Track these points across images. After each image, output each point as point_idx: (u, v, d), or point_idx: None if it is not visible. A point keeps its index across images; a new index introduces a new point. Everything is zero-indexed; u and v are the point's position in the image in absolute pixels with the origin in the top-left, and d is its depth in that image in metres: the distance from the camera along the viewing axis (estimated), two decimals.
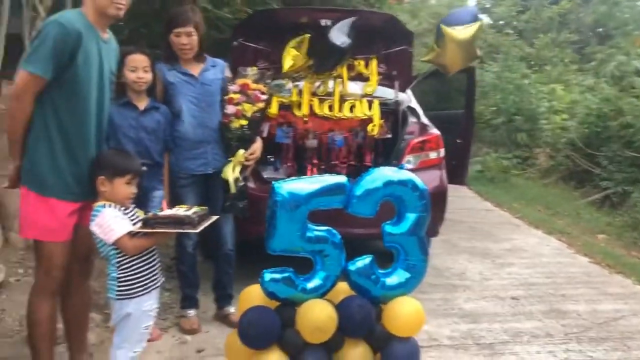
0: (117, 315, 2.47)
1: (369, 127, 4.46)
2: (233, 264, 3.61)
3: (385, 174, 2.55)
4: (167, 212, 2.47)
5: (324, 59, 4.18)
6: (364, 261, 2.56)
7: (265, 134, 4.31)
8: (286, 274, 2.48)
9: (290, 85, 4.37)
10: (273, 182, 2.47)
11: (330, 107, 4.42)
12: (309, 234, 2.45)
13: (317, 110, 4.40)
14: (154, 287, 2.52)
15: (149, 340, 2.84)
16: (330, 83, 4.46)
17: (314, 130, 4.74)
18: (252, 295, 2.56)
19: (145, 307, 2.48)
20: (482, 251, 5.66)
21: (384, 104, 4.58)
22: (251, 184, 3.91)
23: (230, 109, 3.31)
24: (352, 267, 2.55)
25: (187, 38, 3.28)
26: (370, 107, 4.44)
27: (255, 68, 3.54)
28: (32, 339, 2.60)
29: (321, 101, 4.43)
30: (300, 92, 4.36)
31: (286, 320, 2.48)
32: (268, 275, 2.46)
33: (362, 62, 4.46)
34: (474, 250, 5.70)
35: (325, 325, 2.44)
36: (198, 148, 3.37)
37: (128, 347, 2.49)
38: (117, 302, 2.45)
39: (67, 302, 2.74)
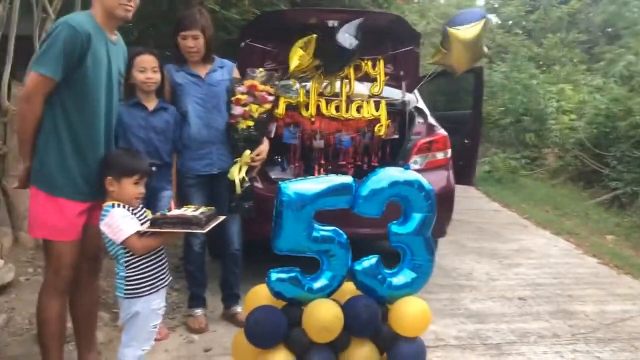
0: (126, 314, 2.49)
1: (376, 128, 4.46)
2: (240, 264, 3.63)
3: (391, 174, 2.56)
4: (175, 212, 2.48)
5: (332, 61, 4.19)
6: (370, 261, 2.58)
7: (272, 135, 4.33)
8: (292, 274, 2.49)
9: (297, 85, 4.39)
10: (279, 182, 2.48)
11: (337, 108, 4.43)
12: (315, 234, 2.46)
13: (324, 111, 4.41)
14: (162, 286, 2.53)
15: (156, 340, 2.87)
16: (337, 84, 4.47)
17: (321, 130, 4.74)
18: (259, 295, 2.58)
19: (154, 305, 2.50)
20: (489, 252, 5.66)
21: (391, 105, 4.58)
22: (258, 184, 3.93)
23: (237, 109, 3.33)
24: (358, 267, 2.56)
25: (193, 41, 3.30)
26: (377, 108, 4.44)
27: (262, 70, 3.55)
28: (42, 337, 2.63)
29: (328, 102, 4.44)
30: (307, 93, 4.37)
31: (292, 319, 2.49)
32: (274, 275, 2.48)
33: (369, 63, 4.47)
34: (482, 250, 5.69)
35: (331, 325, 2.45)
36: (203, 148, 3.39)
37: (136, 346, 2.51)
38: (126, 301, 2.47)
39: (76, 301, 2.76)
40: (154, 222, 2.40)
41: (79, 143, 2.51)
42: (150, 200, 3.11)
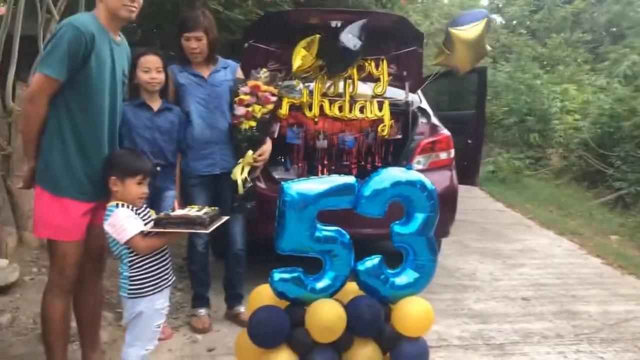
0: (129, 313, 2.50)
1: (380, 128, 4.47)
2: (243, 264, 3.64)
3: (393, 174, 2.57)
4: (179, 212, 2.50)
5: (336, 61, 4.20)
6: (373, 261, 2.58)
7: (275, 135, 4.34)
8: (295, 274, 2.50)
9: (300, 86, 4.39)
10: (282, 183, 2.49)
11: (341, 108, 4.44)
12: (317, 234, 2.47)
13: (327, 111, 4.42)
14: (165, 286, 2.54)
15: (160, 339, 2.88)
16: (341, 84, 4.47)
17: (325, 131, 4.76)
18: (262, 295, 2.59)
19: (157, 305, 2.51)
20: (493, 252, 5.66)
21: (394, 105, 4.59)
22: (262, 185, 3.95)
23: (240, 110, 3.34)
24: (361, 267, 2.57)
25: (196, 42, 3.32)
26: (380, 108, 4.45)
27: (266, 70, 3.56)
28: (46, 337, 2.64)
29: (331, 102, 4.44)
30: (310, 93, 4.37)
31: (295, 319, 2.50)
32: (277, 275, 2.49)
33: (373, 63, 4.47)
34: (485, 251, 5.69)
35: (334, 325, 2.46)
36: (206, 149, 3.40)
37: (140, 345, 2.52)
38: (129, 301, 2.48)
39: (80, 301, 2.77)
40: (157, 222, 2.41)
41: (83, 143, 2.52)
42: (154, 200, 3.14)
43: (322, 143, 4.75)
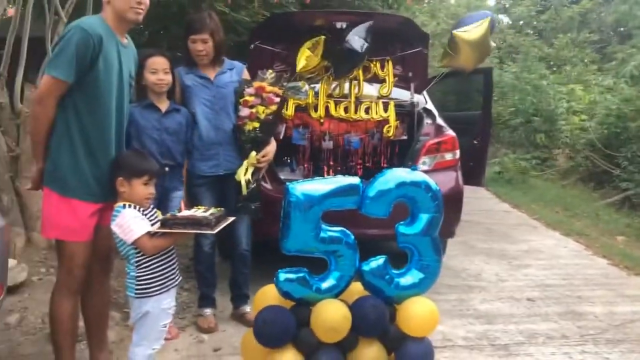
0: (136, 313, 2.52)
1: (385, 129, 4.49)
2: (249, 264, 3.65)
3: (398, 175, 2.58)
4: (185, 213, 2.51)
5: (342, 63, 4.22)
6: (377, 261, 2.59)
7: (281, 136, 4.36)
8: (301, 274, 2.51)
9: (306, 87, 4.42)
10: (287, 183, 2.51)
11: (346, 109, 4.46)
12: (322, 235, 2.48)
13: (333, 112, 4.44)
14: (172, 286, 2.56)
15: (167, 339, 2.90)
16: (346, 85, 4.49)
17: (330, 132, 4.78)
18: (268, 295, 2.60)
19: (164, 305, 2.53)
20: (498, 252, 5.65)
21: (399, 106, 4.60)
22: (268, 185, 3.97)
23: (245, 111, 3.35)
24: (366, 268, 2.58)
25: (202, 45, 3.34)
26: (386, 109, 4.47)
27: (272, 71, 3.57)
28: (54, 336, 2.66)
29: (337, 103, 4.47)
30: (316, 94, 4.40)
31: (301, 319, 2.51)
32: (283, 275, 2.50)
33: (378, 64, 4.49)
34: (491, 251, 5.69)
35: (339, 325, 2.47)
36: (211, 150, 3.42)
37: (146, 345, 2.54)
38: (136, 301, 2.50)
39: (87, 301, 2.79)
40: (164, 223, 2.43)
41: (91, 145, 2.54)
42: (162, 200, 3.17)
43: (327, 144, 4.77)
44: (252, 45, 4.35)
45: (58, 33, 4.51)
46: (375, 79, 4.59)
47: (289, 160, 4.83)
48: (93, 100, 2.52)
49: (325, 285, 2.54)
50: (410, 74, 4.76)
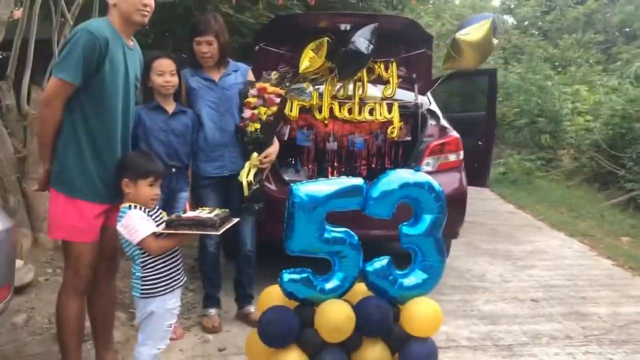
0: (142, 313, 2.54)
1: (389, 130, 4.50)
2: (253, 265, 3.67)
3: (401, 176, 2.60)
4: (190, 214, 2.53)
5: (347, 65, 4.23)
6: (381, 262, 2.61)
7: (286, 137, 4.39)
8: (305, 275, 2.53)
9: (310, 88, 4.43)
10: (291, 184, 2.52)
11: (350, 110, 4.47)
12: (326, 235, 2.50)
13: (337, 113, 4.46)
14: (177, 286, 2.58)
15: (172, 339, 2.92)
16: (350, 86, 4.51)
17: (334, 133, 4.79)
18: (272, 296, 2.62)
19: (169, 305, 2.55)
20: (503, 253, 5.66)
21: (403, 107, 4.61)
22: (272, 186, 3.99)
23: (247, 112, 3.37)
24: (369, 268, 2.60)
25: (207, 46, 3.36)
26: (390, 110, 4.48)
27: (277, 72, 3.59)
28: (61, 336, 2.69)
29: (341, 104, 4.48)
30: (320, 96, 4.41)
31: (305, 320, 2.53)
32: (287, 276, 2.52)
33: (382, 66, 4.50)
34: (495, 252, 5.69)
35: (343, 326, 2.48)
36: (216, 151, 3.44)
37: (151, 344, 2.56)
38: (142, 301, 2.52)
39: (93, 301, 2.81)
40: (169, 224, 2.45)
41: (97, 147, 2.57)
42: (168, 201, 3.20)
43: (332, 145, 4.79)
44: (257, 47, 4.37)
45: (64, 35, 4.55)
46: (380, 81, 4.60)
47: (293, 162, 4.85)
48: (99, 102, 2.54)
49: (329, 285, 2.55)
50: (414, 75, 4.77)
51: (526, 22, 19.28)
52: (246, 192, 3.38)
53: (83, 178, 2.55)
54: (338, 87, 4.50)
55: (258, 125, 3.36)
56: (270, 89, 3.39)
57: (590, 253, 5.85)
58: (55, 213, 2.60)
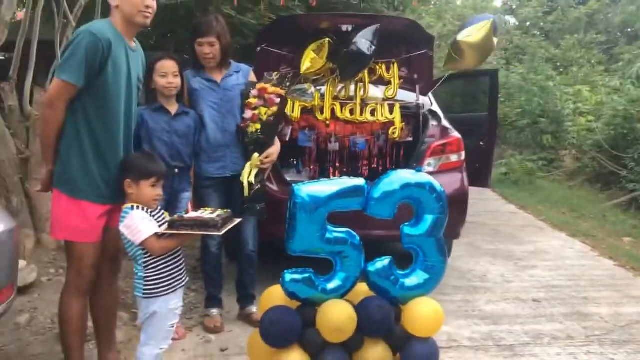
0: (144, 313, 2.55)
1: (390, 131, 4.51)
2: (255, 265, 3.68)
3: (403, 176, 2.60)
4: (192, 214, 2.54)
5: (348, 66, 4.24)
6: (383, 262, 2.61)
7: (287, 138, 4.40)
8: (306, 275, 2.54)
9: (312, 89, 4.44)
10: (293, 185, 2.53)
11: (352, 111, 4.48)
12: (328, 236, 2.51)
13: (338, 114, 4.47)
14: (179, 286, 2.59)
15: (174, 339, 2.93)
16: (352, 87, 4.52)
17: (336, 133, 4.80)
18: (274, 296, 2.63)
19: (171, 305, 2.56)
20: (504, 253, 5.66)
21: (405, 108, 4.62)
22: (274, 187, 4.00)
23: (248, 113, 3.38)
24: (371, 268, 2.60)
25: (209, 48, 3.37)
26: (391, 111, 4.49)
27: (278, 73, 3.60)
28: (64, 336, 2.70)
29: (343, 105, 4.49)
30: (322, 96, 4.42)
31: (307, 320, 2.53)
32: (289, 276, 2.53)
33: (384, 66, 4.51)
34: (497, 252, 5.70)
35: (345, 326, 2.49)
36: (218, 152, 3.45)
37: (154, 344, 2.57)
38: (144, 301, 2.53)
39: (96, 302, 2.82)
40: (171, 224, 2.46)
41: (100, 148, 2.57)
42: (171, 201, 3.21)
43: (333, 146, 4.80)
44: (259, 48, 4.38)
45: (67, 37, 4.57)
46: (381, 81, 4.61)
47: (295, 162, 4.86)
48: (102, 103, 2.55)
49: (330, 285, 2.56)
50: (415, 76, 4.78)
51: (528, 23, 19.30)
52: (247, 192, 3.39)
53: (86, 179, 2.56)
54: (340, 88, 4.51)
55: (259, 126, 3.37)
56: (271, 89, 3.40)
57: (592, 253, 5.85)
58: (58, 214, 2.61)
